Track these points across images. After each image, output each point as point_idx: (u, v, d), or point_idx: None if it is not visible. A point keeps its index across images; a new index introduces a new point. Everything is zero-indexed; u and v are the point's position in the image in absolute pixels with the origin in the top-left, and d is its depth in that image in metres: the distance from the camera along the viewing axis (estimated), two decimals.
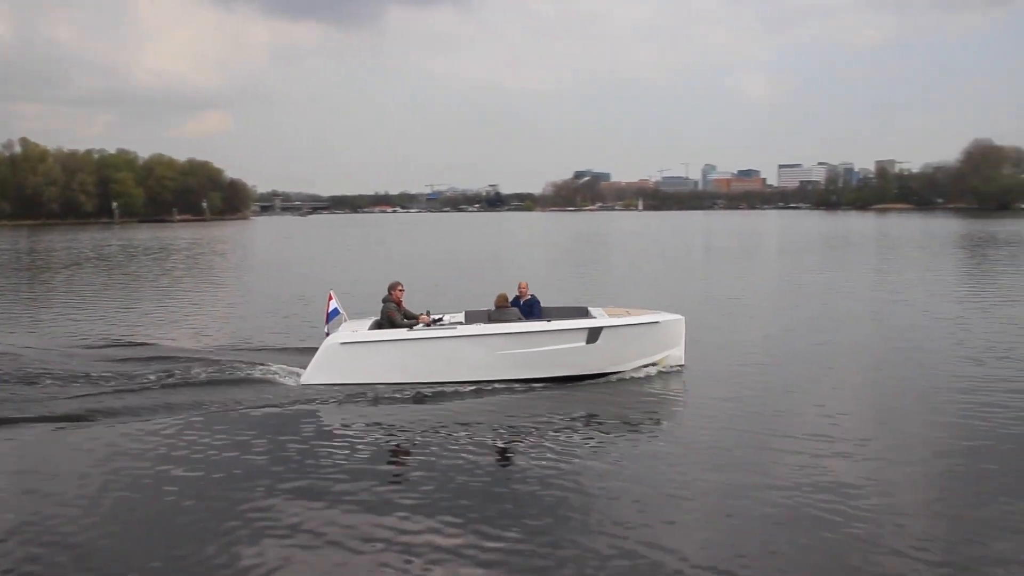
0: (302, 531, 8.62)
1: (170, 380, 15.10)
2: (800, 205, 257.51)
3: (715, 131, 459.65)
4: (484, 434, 12.13)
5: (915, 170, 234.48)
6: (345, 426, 12.79)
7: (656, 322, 15.83)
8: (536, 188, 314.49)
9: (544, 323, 15.25)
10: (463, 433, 12.18)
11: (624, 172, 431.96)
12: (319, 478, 10.20)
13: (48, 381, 15.09)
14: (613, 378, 15.36)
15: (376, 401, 14.00)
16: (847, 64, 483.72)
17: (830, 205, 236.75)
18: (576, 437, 11.97)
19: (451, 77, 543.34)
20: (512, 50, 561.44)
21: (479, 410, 13.60)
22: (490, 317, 15.52)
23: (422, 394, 14.29)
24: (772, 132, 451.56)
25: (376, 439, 12.06)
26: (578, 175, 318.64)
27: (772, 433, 12.00)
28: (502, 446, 11.63)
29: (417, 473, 10.43)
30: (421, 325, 15.30)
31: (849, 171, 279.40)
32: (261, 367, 15.92)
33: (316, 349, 15.23)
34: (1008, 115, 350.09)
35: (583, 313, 16.05)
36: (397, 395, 14.22)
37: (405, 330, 15.02)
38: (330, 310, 15.70)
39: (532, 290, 16.68)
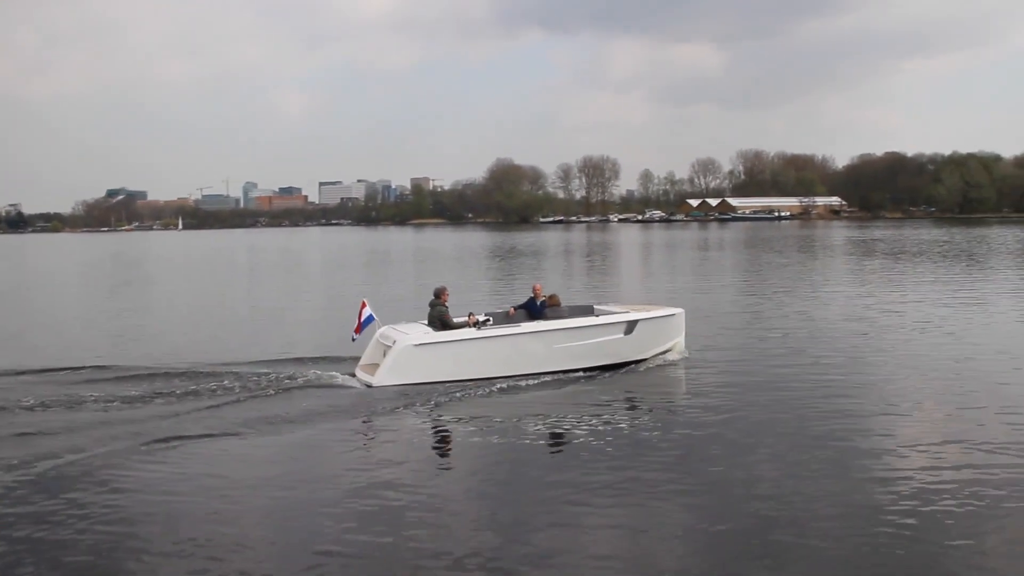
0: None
1: (233, 395, 14.71)
2: (342, 221, 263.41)
3: (255, 148, 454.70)
4: (557, 421, 13.13)
5: (447, 187, 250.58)
6: (448, 423, 13.37)
7: (673, 314, 17.94)
8: (65, 208, 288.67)
9: (593, 318, 16.87)
10: (547, 420, 13.20)
11: (162, 190, 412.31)
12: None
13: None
14: (640, 367, 16.98)
15: (457, 398, 14.58)
16: (380, 84, 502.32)
17: (370, 221, 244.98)
18: (634, 422, 13.27)
19: None
20: (27, 56, 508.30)
21: (550, 399, 14.67)
22: (545, 315, 16.68)
23: (493, 388, 15.19)
24: (312, 150, 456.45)
25: (483, 433, 12.55)
26: (111, 193, 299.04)
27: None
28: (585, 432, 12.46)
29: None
30: (470, 326, 16.14)
31: (387, 188, 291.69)
32: (311, 376, 16.13)
33: (338, 356, 17.26)
34: (522, 136, 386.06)
35: (589, 311, 17.37)
36: (470, 391, 14.94)
37: (473, 329, 15.95)
38: (364, 318, 16.65)
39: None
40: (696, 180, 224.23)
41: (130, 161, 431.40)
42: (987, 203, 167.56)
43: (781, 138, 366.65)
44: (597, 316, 17.07)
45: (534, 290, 17.33)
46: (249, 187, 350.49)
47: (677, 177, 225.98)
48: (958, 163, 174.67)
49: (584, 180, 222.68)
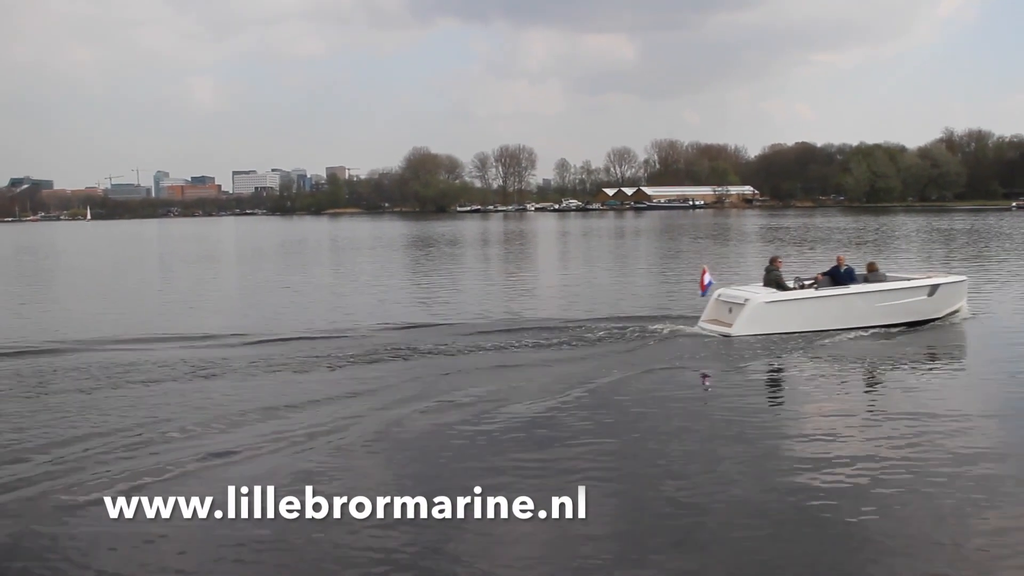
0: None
1: (625, 344, 17.71)
2: (256, 211, 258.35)
3: (166, 137, 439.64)
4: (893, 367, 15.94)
5: (363, 176, 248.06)
6: (807, 364, 16.03)
7: (963, 280, 20.82)
8: None
9: (904, 282, 19.54)
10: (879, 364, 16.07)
11: (69, 180, 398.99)
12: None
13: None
14: (937, 324, 19.38)
15: (802, 346, 17.30)
16: (293, 72, 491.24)
17: (286, 211, 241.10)
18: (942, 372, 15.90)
19: None
20: None
21: (877, 348, 17.26)
22: (867, 279, 19.29)
23: (827, 340, 17.69)
24: (224, 138, 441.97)
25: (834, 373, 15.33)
26: (15, 183, 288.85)
27: None
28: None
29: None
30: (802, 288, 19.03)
31: (302, 177, 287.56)
32: (667, 329, 19.03)
33: (679, 316, 20.59)
34: (438, 125, 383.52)
35: (885, 278, 19.67)
36: (810, 341, 17.62)
37: (811, 291, 18.87)
38: (707, 281, 19.73)
39: None
40: (612, 169, 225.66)
41: (34, 149, 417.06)
42: (893, 192, 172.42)
43: (695, 128, 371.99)
44: (893, 282, 19.65)
45: (838, 260, 19.91)
46: (160, 176, 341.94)
47: (593, 166, 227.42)
48: (865, 153, 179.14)
49: (501, 169, 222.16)
